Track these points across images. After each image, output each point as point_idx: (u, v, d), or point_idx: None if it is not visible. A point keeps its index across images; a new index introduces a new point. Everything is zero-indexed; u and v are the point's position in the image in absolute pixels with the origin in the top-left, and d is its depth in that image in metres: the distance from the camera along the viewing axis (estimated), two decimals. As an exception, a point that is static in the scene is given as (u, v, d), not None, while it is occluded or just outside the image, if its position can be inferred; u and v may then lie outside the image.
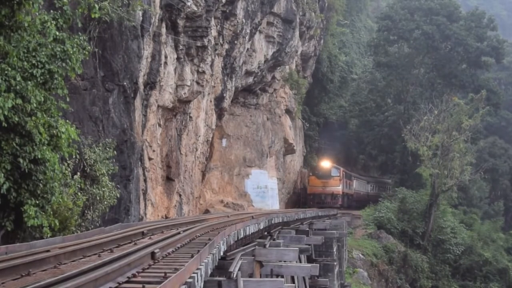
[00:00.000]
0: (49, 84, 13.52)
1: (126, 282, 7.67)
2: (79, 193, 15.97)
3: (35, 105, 12.82)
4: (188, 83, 29.16)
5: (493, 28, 66.19)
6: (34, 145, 12.86)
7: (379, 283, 44.58)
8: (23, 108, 12.55)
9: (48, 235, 13.17)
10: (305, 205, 53.81)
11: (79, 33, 15.60)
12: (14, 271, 7.74)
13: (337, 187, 53.76)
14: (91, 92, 18.46)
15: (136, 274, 8.18)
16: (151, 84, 25.04)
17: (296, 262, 19.90)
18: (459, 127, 50.81)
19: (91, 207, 16.82)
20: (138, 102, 23.28)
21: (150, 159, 26.54)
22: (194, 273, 8.73)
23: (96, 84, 18.79)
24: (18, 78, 12.50)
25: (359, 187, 65.89)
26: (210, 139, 37.64)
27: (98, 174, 17.20)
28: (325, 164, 55.14)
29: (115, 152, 18.25)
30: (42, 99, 13.09)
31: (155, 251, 9.71)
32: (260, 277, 16.92)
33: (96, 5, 15.65)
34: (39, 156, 12.94)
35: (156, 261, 9.46)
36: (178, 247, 11.45)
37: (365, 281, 41.59)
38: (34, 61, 13.16)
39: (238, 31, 34.24)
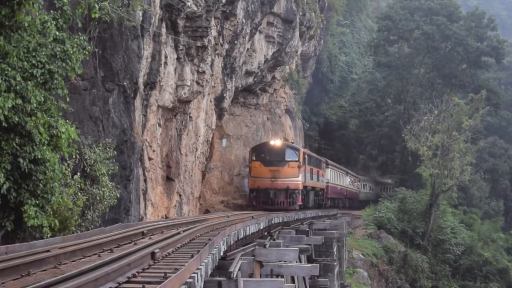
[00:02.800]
0: (49, 84, 13.52)
1: (126, 282, 7.68)
2: (79, 193, 15.97)
3: (35, 105, 12.82)
4: (188, 83, 29.16)
5: (493, 28, 66.20)
6: (34, 145, 12.85)
7: (379, 283, 44.58)
8: (23, 108, 12.55)
9: (48, 235, 13.17)
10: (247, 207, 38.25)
11: (79, 33, 15.60)
12: (14, 271, 7.75)
13: (295, 179, 36.02)
14: (91, 92, 18.45)
15: (136, 274, 8.19)
16: (151, 84, 25.04)
17: (296, 262, 19.91)
18: (459, 127, 50.80)
19: (91, 207, 16.82)
20: (138, 102, 23.28)
21: (150, 159, 26.54)
22: (194, 273, 8.74)
23: (96, 84, 18.78)
24: (18, 78, 12.50)
25: (336, 180, 50.57)
26: (210, 139, 37.64)
27: (98, 174, 17.20)
28: (276, 142, 37.11)
29: (115, 152, 18.25)
30: (42, 99, 13.09)
31: (155, 251, 9.71)
32: (260, 277, 16.93)
33: (96, 5, 15.65)
34: (39, 156, 12.94)
35: (156, 261, 9.47)
36: (178, 247, 11.46)
37: (365, 281, 41.59)
38: (34, 61, 13.16)
39: (238, 31, 34.24)
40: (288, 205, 35.42)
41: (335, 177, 49.65)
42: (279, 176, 35.78)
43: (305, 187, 37.67)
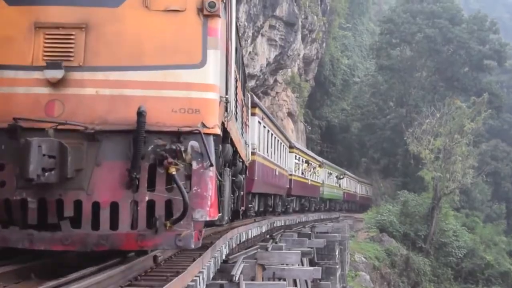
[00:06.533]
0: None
1: (128, 285, 7.68)
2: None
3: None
4: (190, 86, 29.16)
5: (495, 31, 66.31)
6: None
7: (381, 286, 44.52)
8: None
9: (50, 238, 13.16)
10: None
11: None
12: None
13: (190, 72, 6.23)
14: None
15: (138, 277, 8.19)
16: (153, 87, 25.05)
17: (298, 265, 19.89)
18: (461, 130, 50.81)
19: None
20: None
21: (152, 162, 26.53)
22: (196, 276, 8.74)
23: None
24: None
25: (272, 153, 23.80)
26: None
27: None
28: None
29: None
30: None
31: (157, 254, 9.71)
32: (262, 280, 16.91)
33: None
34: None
35: (158, 264, 9.47)
36: (180, 251, 11.44)
37: (367, 284, 41.53)
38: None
39: (240, 34, 34.31)
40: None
41: (269, 145, 23.41)
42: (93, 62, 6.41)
43: (225, 133, 8.70)
